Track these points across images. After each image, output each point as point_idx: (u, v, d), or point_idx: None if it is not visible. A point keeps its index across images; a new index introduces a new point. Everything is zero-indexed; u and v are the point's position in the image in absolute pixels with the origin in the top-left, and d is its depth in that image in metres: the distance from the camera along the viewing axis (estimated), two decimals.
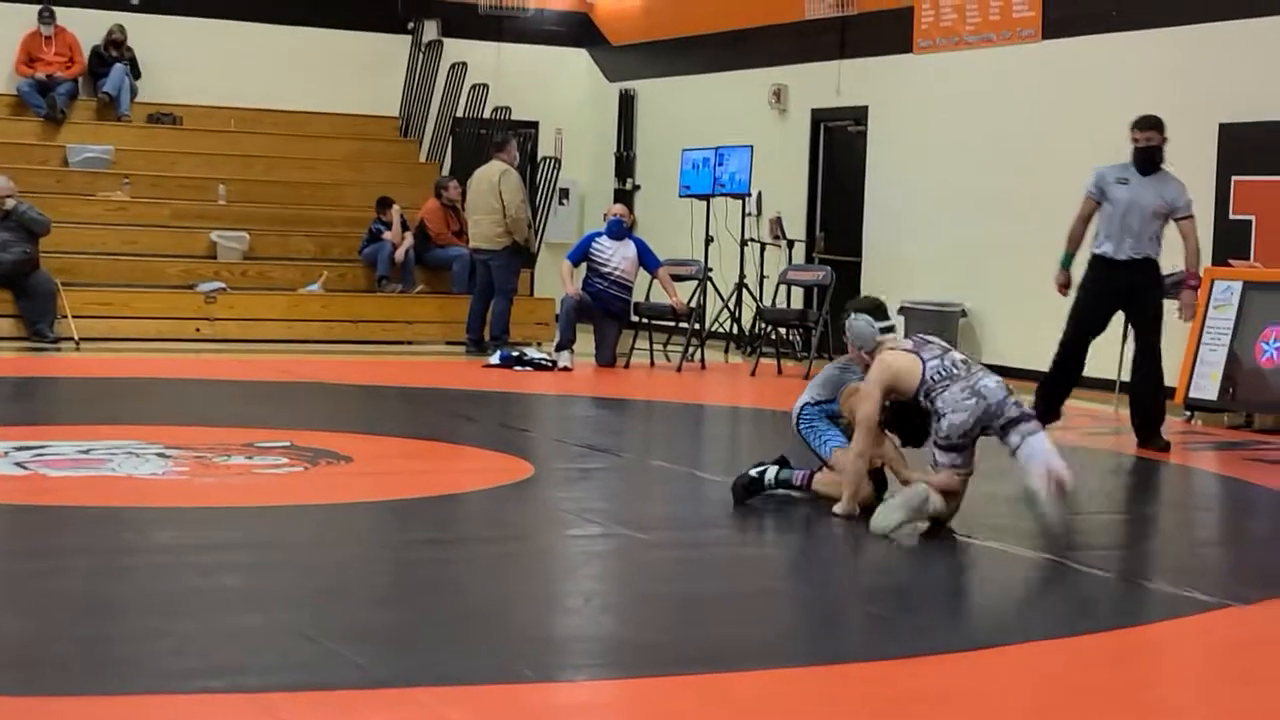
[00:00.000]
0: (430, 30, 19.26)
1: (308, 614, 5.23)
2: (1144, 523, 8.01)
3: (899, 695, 4.61)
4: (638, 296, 15.02)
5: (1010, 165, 14.45)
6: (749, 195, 15.88)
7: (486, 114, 18.41)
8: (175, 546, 6.31)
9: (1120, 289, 10.01)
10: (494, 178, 15.04)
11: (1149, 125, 10.10)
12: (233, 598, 5.45)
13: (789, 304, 15.57)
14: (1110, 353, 12.14)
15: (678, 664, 4.76)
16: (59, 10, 17.71)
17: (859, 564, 6.75)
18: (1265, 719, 4.58)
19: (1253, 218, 12.47)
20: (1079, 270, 10.44)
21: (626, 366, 14.47)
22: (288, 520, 7.01)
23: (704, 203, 15.93)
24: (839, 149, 16.79)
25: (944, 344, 7.18)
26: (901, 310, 14.83)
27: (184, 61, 18.28)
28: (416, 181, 18.03)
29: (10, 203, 14.55)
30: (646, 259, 14.66)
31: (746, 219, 16.13)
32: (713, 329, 15.86)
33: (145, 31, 18.07)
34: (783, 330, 15.37)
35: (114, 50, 17.92)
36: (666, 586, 5.97)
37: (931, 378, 6.94)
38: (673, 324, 15.20)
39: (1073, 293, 10.39)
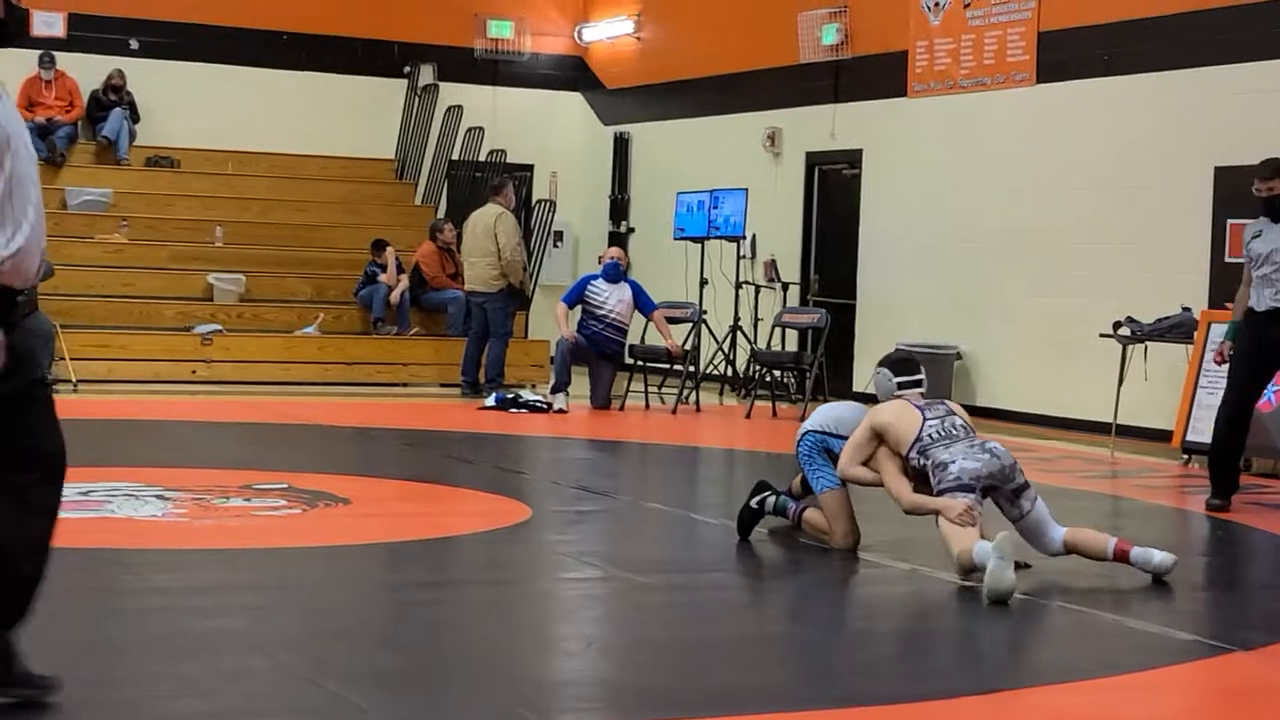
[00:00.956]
0: (426, 74, 19.34)
1: (309, 657, 5.22)
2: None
3: None
4: (633, 339, 15.05)
5: (1005, 209, 14.50)
6: (743, 238, 15.93)
7: (482, 157, 18.48)
8: (175, 589, 6.30)
9: (1264, 341, 9.34)
10: (489, 221, 15.08)
11: (1271, 174, 9.48)
12: (234, 640, 5.44)
13: (784, 346, 15.59)
14: (1106, 394, 12.18)
15: (679, 709, 4.75)
16: (59, 55, 17.78)
17: (859, 607, 6.75)
18: None
19: None
20: None
21: (621, 409, 14.48)
22: (287, 562, 7.01)
23: (698, 245, 15.97)
24: (834, 192, 16.85)
25: (951, 407, 7.19)
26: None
27: (182, 106, 18.35)
28: (412, 224, 18.08)
29: None
30: (642, 302, 14.69)
31: (741, 261, 16.16)
32: (707, 371, 15.89)
33: (144, 76, 18.15)
34: (777, 373, 15.39)
35: (113, 94, 17.99)
36: (666, 630, 5.96)
37: (930, 435, 6.95)
38: (668, 366, 15.22)
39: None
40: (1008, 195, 14.51)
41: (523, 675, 5.15)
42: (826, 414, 7.62)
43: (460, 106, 18.76)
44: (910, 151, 15.60)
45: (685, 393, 14.79)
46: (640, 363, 15.09)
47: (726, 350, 15.95)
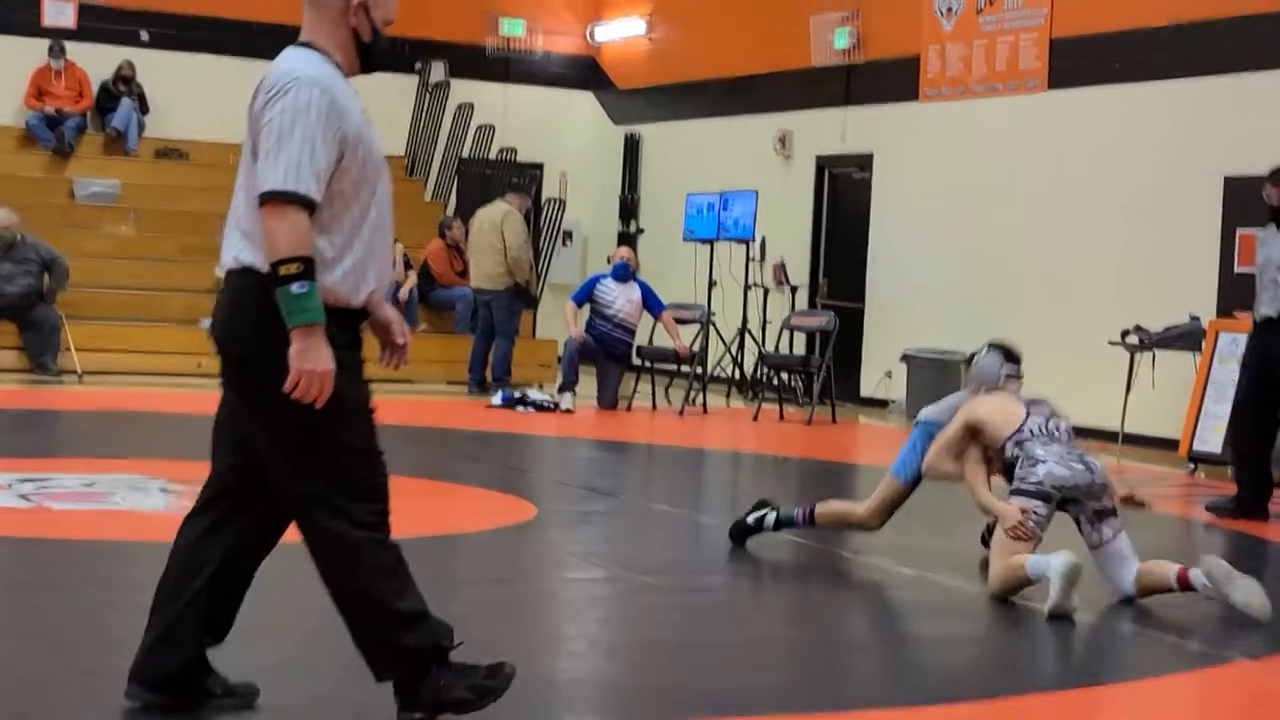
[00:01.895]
0: (437, 71, 19.31)
1: (308, 650, 5.21)
2: None
3: None
4: (640, 339, 15.03)
5: (1015, 214, 14.48)
6: (753, 240, 15.91)
7: (492, 155, 18.46)
8: None
9: (1265, 349, 9.31)
10: (497, 218, 15.07)
11: (1277, 183, 9.46)
12: (233, 633, 5.41)
13: (791, 349, 15.57)
14: (1114, 402, 12.15)
15: (681, 710, 4.74)
16: (69, 45, 17.78)
17: (863, 610, 6.73)
18: None
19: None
20: None
21: (628, 409, 14.46)
22: (289, 557, 6.96)
23: (708, 247, 15.95)
24: (843, 195, 16.83)
25: (1055, 408, 6.95)
26: (904, 358, 14.84)
27: (192, 97, 18.32)
28: (421, 221, 18.05)
29: (16, 235, 14.58)
30: (651, 302, 14.68)
31: (750, 264, 16.14)
32: (715, 373, 15.87)
33: (154, 67, 18.15)
34: (785, 375, 15.37)
35: (122, 85, 17.99)
36: (670, 632, 5.94)
37: (1031, 430, 6.68)
38: (675, 367, 15.20)
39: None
40: (1018, 201, 14.48)
41: (525, 675, 5.12)
42: (943, 403, 7.34)
43: (471, 104, 18.74)
44: (921, 156, 15.58)
45: (692, 394, 14.77)
46: (648, 363, 15.07)
47: (734, 352, 15.93)
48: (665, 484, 10.69)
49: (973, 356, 7.20)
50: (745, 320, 15.90)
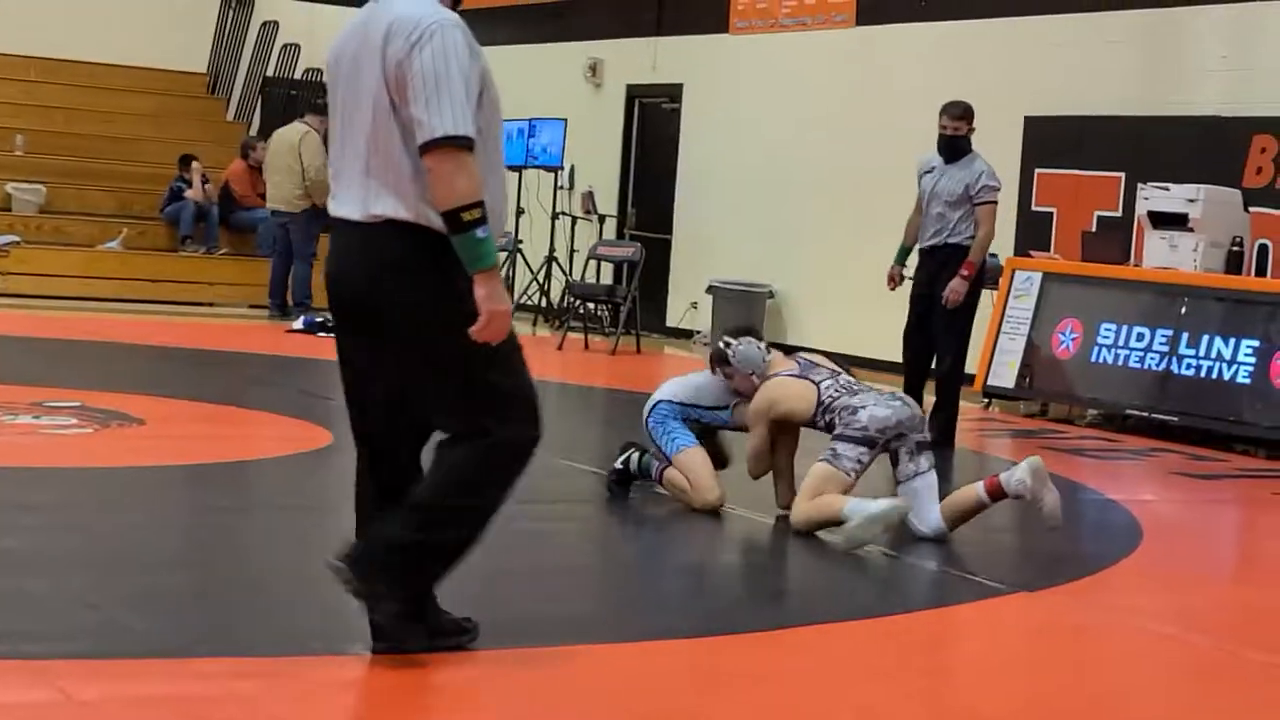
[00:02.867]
0: None
1: (93, 580, 5.07)
2: None
3: (719, 672, 4.62)
4: None
5: (821, 148, 14.58)
6: (561, 168, 15.82)
7: (298, 75, 18.10)
8: None
9: (922, 276, 9.82)
10: (294, 139, 14.78)
11: (958, 115, 10.01)
12: (14, 561, 5.26)
13: (598, 279, 15.55)
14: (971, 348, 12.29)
15: (479, 639, 4.68)
16: None
17: (676, 544, 6.74)
18: (1055, 699, 4.66)
19: (1054, 210, 12.74)
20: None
21: None
22: (75, 483, 6.80)
23: (515, 174, 15.83)
24: (653, 125, 16.80)
25: (833, 366, 6.94)
26: (710, 289, 14.90)
27: None
28: (223, 141, 17.68)
29: None
30: None
31: (558, 192, 16.06)
32: (521, 301, 15.79)
33: None
34: (591, 305, 15.35)
35: None
36: (468, 560, 5.87)
37: (830, 395, 6.66)
38: None
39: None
40: (824, 136, 14.58)
41: (314, 604, 5.05)
42: (683, 385, 7.18)
43: (276, 22, 18.35)
44: (730, 88, 15.60)
45: None
46: None
47: (541, 281, 15.86)
48: None
49: (724, 355, 7.06)
50: (552, 249, 15.83)
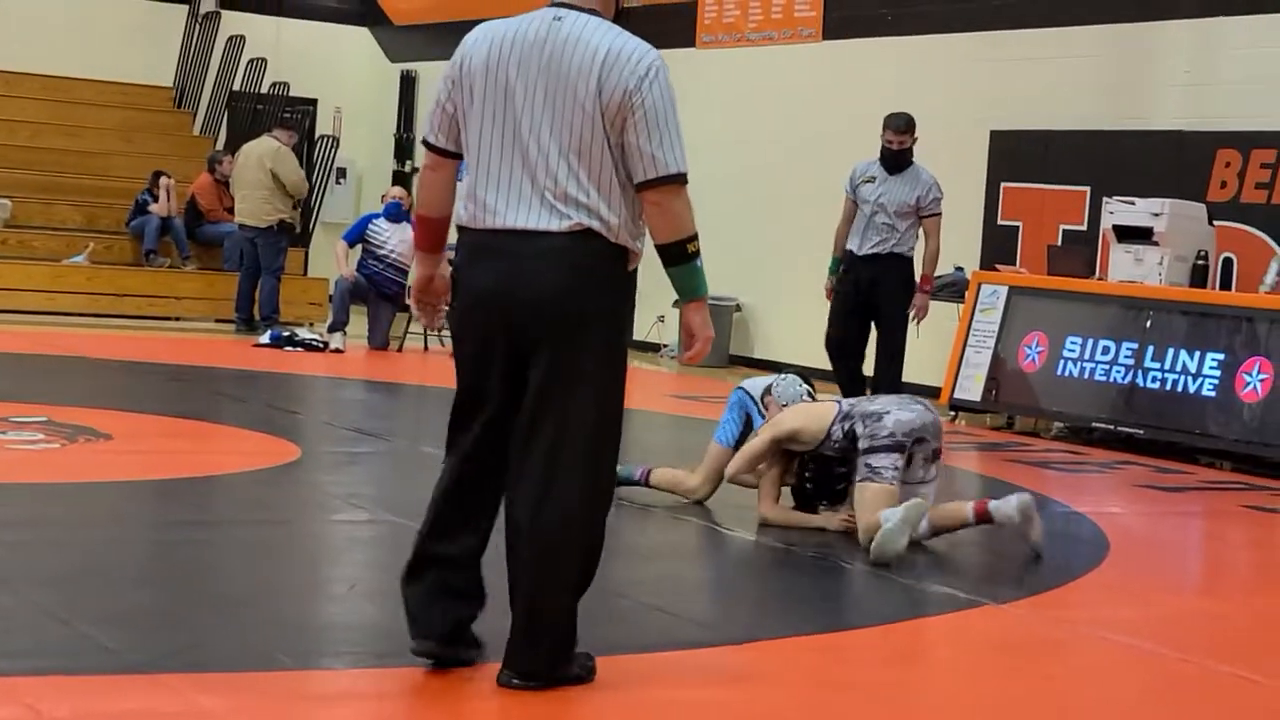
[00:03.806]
0: (208, 1, 18.84)
1: (60, 595, 5.05)
2: None
3: (685, 686, 4.62)
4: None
5: (788, 163, 14.63)
6: None
7: (264, 89, 18.07)
8: None
9: (861, 284, 10.09)
10: (264, 154, 14.75)
11: (902, 129, 10.21)
12: None
13: None
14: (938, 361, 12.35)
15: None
16: None
17: (639, 558, 6.75)
18: (1020, 710, 4.68)
19: (1020, 224, 12.80)
20: None
21: (400, 350, 14.33)
22: (42, 498, 6.77)
23: None
24: None
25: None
26: (676, 303, 14.90)
27: None
28: (190, 155, 17.63)
29: None
30: None
31: None
32: None
33: None
34: None
35: None
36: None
37: (850, 404, 6.77)
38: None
39: None
40: (791, 149, 14.63)
41: (281, 618, 5.04)
42: (761, 384, 7.35)
43: (242, 36, 18.32)
44: (697, 103, 15.59)
45: None
46: None
47: None
48: (435, 426, 10.52)
49: (769, 386, 7.23)
50: None
